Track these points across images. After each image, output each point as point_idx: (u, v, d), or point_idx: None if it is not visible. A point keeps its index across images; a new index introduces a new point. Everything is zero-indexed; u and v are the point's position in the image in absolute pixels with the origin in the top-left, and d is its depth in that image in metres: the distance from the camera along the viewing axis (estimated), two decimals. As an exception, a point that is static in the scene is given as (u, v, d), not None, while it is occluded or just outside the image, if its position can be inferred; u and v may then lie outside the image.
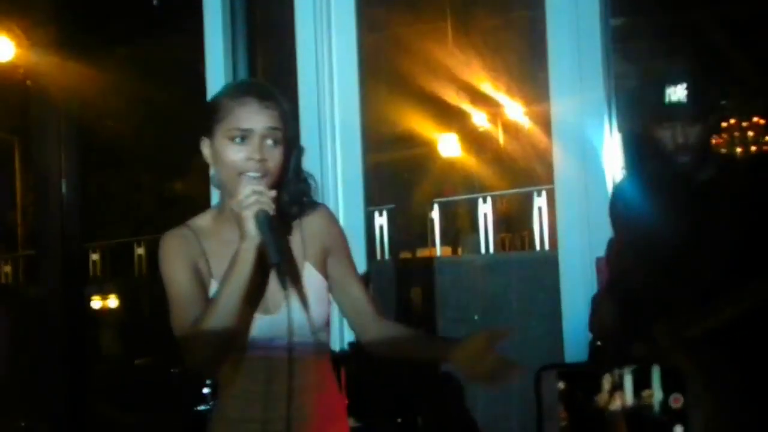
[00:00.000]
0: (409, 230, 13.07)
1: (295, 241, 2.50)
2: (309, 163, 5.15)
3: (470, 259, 8.79)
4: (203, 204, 5.81)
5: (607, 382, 1.99)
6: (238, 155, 2.39)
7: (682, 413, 2.00)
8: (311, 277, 2.47)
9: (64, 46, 6.75)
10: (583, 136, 4.44)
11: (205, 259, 2.45)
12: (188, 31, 6.05)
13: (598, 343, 3.52)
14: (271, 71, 6.22)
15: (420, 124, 13.83)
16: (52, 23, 6.83)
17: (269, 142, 2.40)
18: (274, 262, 2.29)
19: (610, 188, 4.41)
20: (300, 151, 2.56)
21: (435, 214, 11.85)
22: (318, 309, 2.46)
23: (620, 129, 4.55)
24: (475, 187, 14.60)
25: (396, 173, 13.36)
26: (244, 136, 2.39)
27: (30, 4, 7.34)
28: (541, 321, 5.38)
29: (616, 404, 2.00)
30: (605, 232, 4.32)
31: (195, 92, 5.86)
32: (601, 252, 4.30)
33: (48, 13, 6.86)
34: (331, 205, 5.15)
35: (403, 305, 5.87)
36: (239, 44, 5.57)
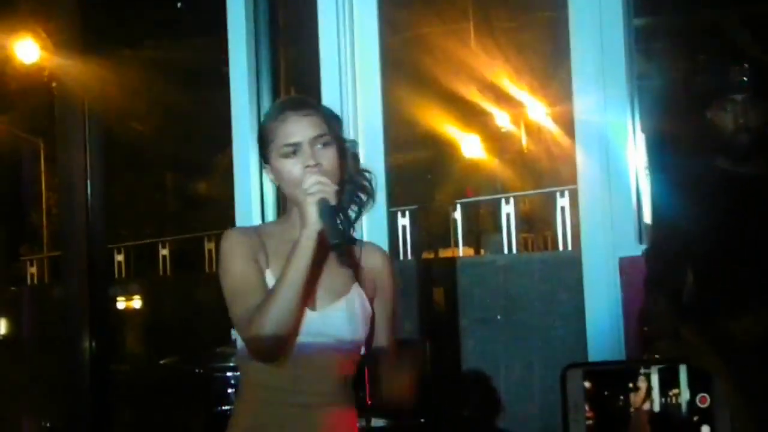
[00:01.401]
0: (432, 230, 13.10)
1: (349, 264, 2.54)
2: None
3: (493, 259, 8.78)
4: (226, 204, 5.84)
5: (635, 381, 1.99)
6: (295, 167, 2.45)
7: (709, 413, 1.99)
8: (357, 295, 2.50)
9: (88, 48, 6.78)
10: (606, 136, 4.43)
11: (265, 254, 2.49)
12: (212, 32, 6.09)
13: (645, 328, 3.51)
14: (293, 72, 6.24)
15: (442, 124, 13.85)
16: (76, 26, 6.86)
17: (318, 146, 2.46)
18: (333, 242, 2.34)
19: (633, 188, 4.40)
20: (352, 146, 2.60)
21: (457, 214, 11.88)
22: (351, 324, 2.47)
23: (643, 128, 4.54)
24: (497, 187, 14.61)
25: (418, 174, 13.39)
26: (296, 150, 2.46)
27: (55, 7, 7.38)
28: (563, 321, 5.38)
29: (643, 404, 2.00)
30: (628, 231, 4.32)
31: (218, 93, 5.89)
32: (625, 251, 4.30)
33: (72, 16, 6.90)
34: (353, 206, 5.19)
35: (426, 305, 5.88)
36: (262, 45, 5.59)
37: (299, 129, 2.46)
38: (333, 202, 2.37)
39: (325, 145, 2.47)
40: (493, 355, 5.68)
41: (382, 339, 2.59)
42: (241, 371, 2.56)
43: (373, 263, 2.57)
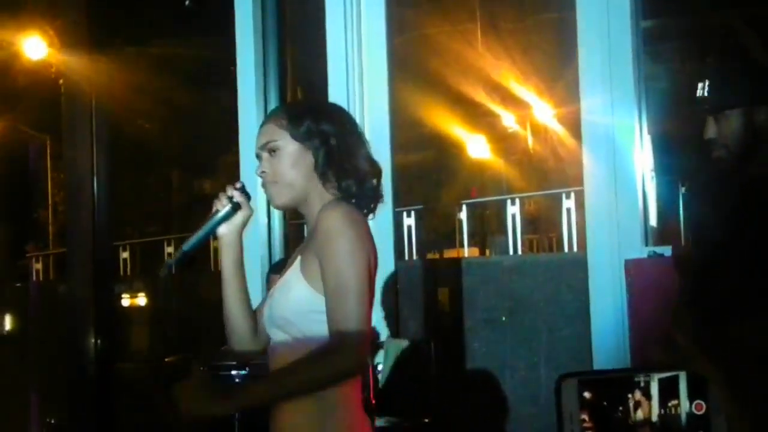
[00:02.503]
0: (437, 231, 13.10)
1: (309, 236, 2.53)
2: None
3: (498, 260, 8.78)
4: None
5: (631, 390, 1.98)
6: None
7: (706, 420, 1.98)
8: (292, 273, 2.47)
9: (95, 45, 6.80)
10: (612, 138, 4.43)
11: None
12: (220, 31, 6.09)
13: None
14: (300, 72, 6.24)
15: (449, 125, 13.84)
16: (83, 23, 6.87)
17: (266, 154, 2.56)
18: (184, 249, 2.56)
19: (639, 190, 4.40)
20: (330, 148, 2.53)
21: (463, 215, 11.87)
22: (285, 309, 2.43)
23: (650, 130, 4.54)
24: (503, 188, 14.60)
25: (424, 174, 13.38)
26: (258, 157, 2.61)
27: (62, 4, 7.39)
28: (568, 323, 5.37)
29: (639, 412, 1.99)
30: (634, 233, 4.32)
31: (225, 92, 5.90)
32: (630, 253, 4.30)
33: (80, 13, 6.91)
34: (359, 206, 5.19)
35: (431, 306, 5.88)
36: (270, 45, 5.60)
37: (257, 139, 2.59)
38: (223, 209, 2.61)
39: (271, 152, 2.55)
40: (498, 356, 5.67)
41: (329, 316, 2.36)
42: None
43: (319, 227, 2.40)
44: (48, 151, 15.94)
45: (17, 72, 11.34)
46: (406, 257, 9.30)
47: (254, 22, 5.52)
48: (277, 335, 2.47)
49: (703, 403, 1.98)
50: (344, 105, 5.18)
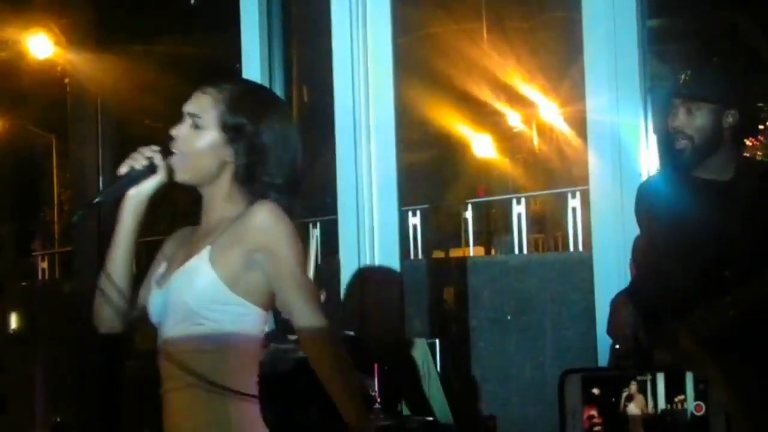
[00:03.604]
0: (443, 230, 13.08)
1: (221, 228, 2.45)
2: (343, 162, 5.20)
3: (503, 259, 8.79)
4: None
5: (633, 388, 1.98)
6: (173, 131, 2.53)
7: (705, 420, 1.98)
8: (198, 262, 2.40)
9: (101, 44, 6.81)
10: (618, 138, 4.42)
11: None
12: (225, 29, 6.09)
13: (617, 346, 3.52)
14: (306, 70, 6.24)
15: (454, 124, 13.83)
16: (89, 22, 6.88)
17: (189, 123, 2.48)
18: (98, 198, 2.45)
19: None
20: (254, 148, 2.46)
21: (468, 214, 11.87)
22: (189, 295, 2.38)
23: (655, 130, 4.53)
24: (509, 187, 14.59)
25: (430, 173, 13.37)
26: (182, 118, 2.51)
27: (68, 3, 7.40)
28: (574, 322, 5.37)
29: (640, 410, 1.99)
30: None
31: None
32: (636, 253, 4.29)
33: (86, 12, 6.92)
34: (365, 205, 5.19)
35: (436, 305, 5.87)
36: (275, 43, 5.60)
37: (189, 101, 2.51)
38: (138, 166, 2.44)
39: (196, 126, 2.47)
40: (504, 355, 5.67)
41: (298, 317, 2.40)
42: None
43: (249, 223, 2.40)
44: (54, 149, 15.96)
45: (23, 71, 11.35)
46: (412, 256, 9.29)
47: (259, 20, 5.52)
48: (173, 324, 2.40)
49: (702, 404, 1.98)
50: (349, 104, 5.19)
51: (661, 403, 1.99)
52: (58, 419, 7.77)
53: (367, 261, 5.12)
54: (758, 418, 2.89)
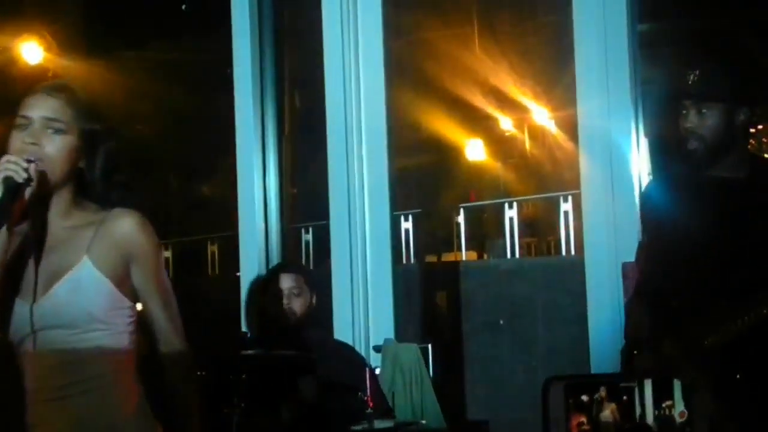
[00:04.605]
0: (435, 235, 13.08)
1: (85, 234, 2.43)
2: (335, 167, 5.20)
3: (496, 263, 8.79)
4: (230, 206, 5.84)
5: (617, 395, 1.97)
6: (16, 141, 2.40)
7: (689, 427, 1.98)
8: (85, 270, 2.40)
9: (92, 50, 6.80)
10: (609, 141, 4.43)
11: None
12: (216, 34, 6.09)
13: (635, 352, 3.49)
14: (297, 75, 6.24)
15: (446, 128, 13.83)
16: (80, 28, 6.88)
17: (49, 130, 2.41)
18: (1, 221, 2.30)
19: (636, 193, 4.40)
20: (109, 152, 2.49)
21: (461, 218, 11.86)
22: (81, 301, 2.38)
23: (647, 134, 4.53)
24: (500, 191, 14.59)
25: (422, 178, 13.37)
26: (26, 125, 2.41)
27: (59, 9, 7.40)
28: (566, 326, 5.38)
29: (624, 417, 1.98)
30: (632, 236, 4.31)
31: (222, 95, 5.89)
32: (628, 257, 4.28)
33: (76, 18, 6.91)
34: (356, 209, 5.18)
35: (429, 309, 5.87)
36: (266, 48, 5.59)
37: (37, 105, 2.43)
38: (19, 179, 2.31)
39: (56, 131, 2.41)
40: (496, 359, 5.67)
41: (152, 306, 2.50)
42: None
43: (118, 228, 2.44)
44: (45, 155, 15.91)
45: (14, 76, 11.34)
46: (404, 261, 9.29)
47: (251, 25, 5.51)
48: (60, 333, 2.38)
49: (685, 411, 1.98)
50: (341, 108, 5.19)
51: (649, 410, 1.99)
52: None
53: (359, 266, 5.11)
54: (743, 425, 2.88)
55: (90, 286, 2.39)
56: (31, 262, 2.42)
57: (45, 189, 2.39)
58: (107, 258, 2.41)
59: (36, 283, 2.41)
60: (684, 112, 3.30)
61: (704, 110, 3.27)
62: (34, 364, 2.41)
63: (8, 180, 2.30)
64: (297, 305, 4.42)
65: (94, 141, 2.46)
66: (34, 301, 2.39)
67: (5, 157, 2.33)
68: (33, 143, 2.38)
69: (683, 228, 3.30)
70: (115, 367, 2.43)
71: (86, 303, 2.38)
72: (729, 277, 3.16)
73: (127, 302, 2.45)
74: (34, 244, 2.40)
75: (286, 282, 4.44)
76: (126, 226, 2.44)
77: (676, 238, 3.31)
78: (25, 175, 2.32)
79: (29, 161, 2.33)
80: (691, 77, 3.30)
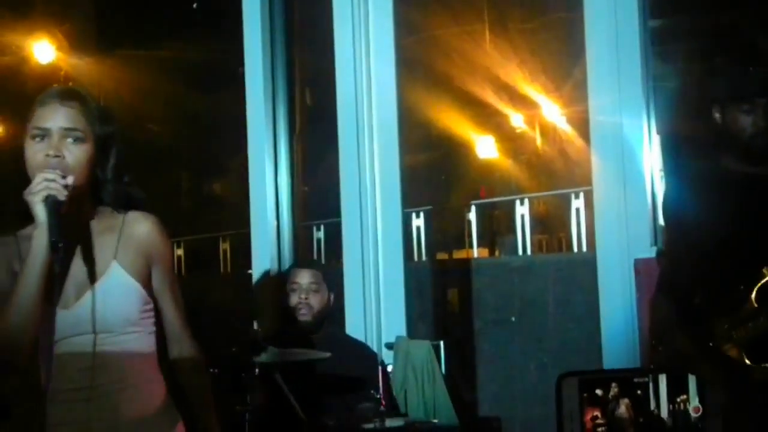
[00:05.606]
0: (446, 232, 13.07)
1: (108, 239, 2.50)
2: (346, 164, 5.20)
3: (507, 260, 8.78)
4: (242, 205, 5.84)
5: (630, 390, 1.97)
6: (38, 153, 2.43)
7: (702, 423, 1.97)
8: (116, 276, 2.47)
9: (104, 49, 6.81)
10: (621, 138, 4.42)
11: (20, 260, 2.45)
12: (227, 33, 6.09)
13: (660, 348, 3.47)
14: (308, 73, 6.24)
15: (457, 125, 13.82)
16: (92, 27, 6.89)
17: (69, 140, 2.43)
18: (51, 239, 2.31)
19: (648, 190, 4.39)
20: (119, 153, 2.55)
21: (472, 215, 11.85)
22: (116, 306, 2.46)
23: (659, 130, 4.52)
24: (512, 188, 14.57)
25: (433, 175, 13.36)
26: (44, 135, 2.44)
27: (71, 8, 7.41)
28: (578, 323, 5.36)
29: (638, 412, 1.98)
30: (644, 233, 4.31)
31: (234, 94, 5.90)
32: (640, 253, 4.29)
33: (88, 17, 6.93)
34: (368, 206, 5.19)
35: (440, 306, 5.87)
36: (278, 46, 5.60)
37: (53, 116, 2.45)
38: (63, 197, 2.35)
39: (76, 140, 2.44)
40: (508, 356, 5.66)
41: (166, 308, 2.58)
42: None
43: (139, 231, 2.53)
44: (57, 154, 15.94)
45: (26, 76, 11.37)
46: (416, 258, 9.28)
47: (262, 23, 5.52)
48: (92, 340, 2.44)
49: (700, 406, 1.98)
50: (352, 106, 5.20)
51: (663, 405, 1.99)
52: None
53: (370, 263, 5.12)
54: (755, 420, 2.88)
55: (122, 290, 2.47)
56: (61, 270, 2.43)
57: (73, 200, 2.42)
58: (133, 262, 2.49)
59: (67, 290, 2.45)
60: (746, 109, 3.28)
61: (757, 109, 3.26)
62: (67, 367, 2.44)
63: (50, 198, 2.34)
64: (315, 301, 4.43)
65: (107, 145, 2.51)
66: (67, 307, 2.44)
67: (41, 175, 2.36)
68: (56, 155, 2.41)
69: (712, 226, 3.29)
70: (148, 364, 2.52)
71: (120, 307, 2.46)
72: (753, 273, 3.15)
73: (152, 303, 2.53)
74: (65, 252, 2.40)
75: (305, 278, 4.45)
76: (146, 230, 2.53)
77: (706, 236, 3.28)
78: (65, 193, 2.36)
79: (63, 177, 2.37)
80: (755, 76, 3.28)
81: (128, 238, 2.51)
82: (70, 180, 2.38)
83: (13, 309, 2.34)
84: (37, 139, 2.44)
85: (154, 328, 2.54)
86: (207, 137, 12.51)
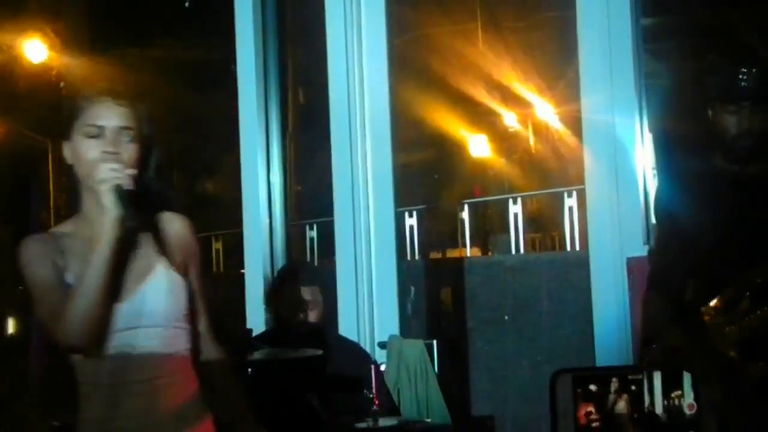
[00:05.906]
0: (439, 231, 13.07)
1: (148, 237, 2.52)
2: (339, 163, 5.20)
3: (500, 259, 8.78)
4: (234, 204, 5.84)
5: (624, 387, 1.97)
6: (94, 150, 2.45)
7: (697, 420, 1.97)
8: (162, 272, 2.50)
9: (96, 48, 6.80)
10: (613, 136, 4.43)
11: (63, 256, 2.48)
12: (220, 32, 6.09)
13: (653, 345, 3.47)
14: (301, 72, 6.24)
15: (450, 124, 13.82)
16: (84, 26, 6.88)
17: (124, 138, 2.47)
18: (129, 224, 2.37)
19: (641, 188, 4.40)
20: (158, 152, 2.59)
21: (465, 214, 11.85)
22: (166, 302, 2.49)
23: (651, 129, 4.53)
24: (505, 187, 14.58)
25: (426, 174, 13.36)
26: (99, 134, 2.46)
27: (62, 7, 7.40)
28: (571, 321, 5.38)
29: (632, 410, 1.98)
30: (636, 231, 4.32)
31: (226, 93, 5.90)
32: (632, 251, 4.29)
33: (80, 16, 6.92)
34: (361, 206, 5.18)
35: (434, 305, 5.87)
36: (270, 45, 5.60)
37: (109, 114, 2.48)
38: (127, 187, 2.39)
39: (130, 139, 2.48)
40: (501, 355, 5.67)
41: (202, 320, 2.62)
42: (76, 367, 2.54)
43: (176, 231, 2.58)
44: (49, 154, 15.93)
45: (18, 75, 11.35)
46: (409, 257, 9.29)
47: (254, 23, 5.51)
48: (147, 330, 2.46)
49: (694, 404, 1.98)
50: (345, 105, 5.19)
51: (658, 401, 1.99)
52: (56, 423, 7.76)
53: (363, 262, 5.12)
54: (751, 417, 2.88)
55: (171, 286, 2.50)
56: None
57: (130, 194, 2.43)
58: (176, 260, 2.53)
59: (120, 285, 2.46)
60: (732, 110, 3.27)
61: (757, 109, 3.25)
62: (114, 362, 2.46)
63: (119, 188, 2.37)
64: (313, 316, 4.42)
65: (151, 145, 2.56)
66: (119, 301, 2.45)
67: (106, 165, 2.39)
68: (114, 152, 2.44)
69: (704, 224, 3.29)
70: (187, 361, 2.54)
71: (169, 303, 2.49)
72: (747, 271, 3.15)
73: (189, 302, 2.55)
74: (118, 247, 2.41)
75: (306, 294, 4.42)
76: (183, 231, 2.59)
77: (697, 233, 3.28)
78: (129, 183, 2.39)
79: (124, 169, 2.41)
80: (744, 78, 3.27)
81: (169, 237, 2.54)
82: (131, 171, 2.42)
83: (83, 297, 2.36)
84: (93, 136, 2.47)
85: (190, 326, 2.56)
86: (199, 136, 12.51)
